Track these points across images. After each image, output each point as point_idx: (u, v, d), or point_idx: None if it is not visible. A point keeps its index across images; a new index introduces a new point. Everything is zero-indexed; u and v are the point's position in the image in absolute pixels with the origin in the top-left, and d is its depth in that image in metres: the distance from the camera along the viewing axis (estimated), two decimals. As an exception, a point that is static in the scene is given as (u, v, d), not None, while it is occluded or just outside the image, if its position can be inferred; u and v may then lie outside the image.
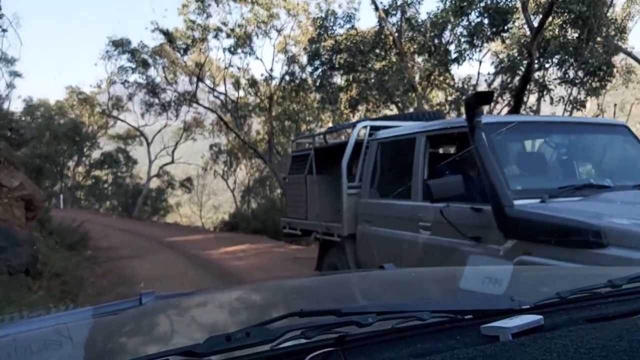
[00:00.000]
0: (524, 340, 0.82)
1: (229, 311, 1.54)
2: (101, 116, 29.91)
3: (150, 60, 22.71)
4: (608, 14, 12.93)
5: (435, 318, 0.97)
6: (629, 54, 14.22)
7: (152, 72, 23.12)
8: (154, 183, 30.39)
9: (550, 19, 11.48)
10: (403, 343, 0.90)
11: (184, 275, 9.05)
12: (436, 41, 14.08)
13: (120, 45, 22.34)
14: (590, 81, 12.97)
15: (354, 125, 5.80)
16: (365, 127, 5.61)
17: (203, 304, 1.65)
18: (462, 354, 0.77)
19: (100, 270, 9.64)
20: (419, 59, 15.26)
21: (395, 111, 16.97)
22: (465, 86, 16.13)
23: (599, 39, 12.30)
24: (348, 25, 15.33)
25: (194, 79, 22.12)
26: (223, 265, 10.20)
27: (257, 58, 25.66)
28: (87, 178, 31.66)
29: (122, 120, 29.68)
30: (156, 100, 24.52)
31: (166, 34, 20.23)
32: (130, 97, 26.29)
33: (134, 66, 22.61)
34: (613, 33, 13.14)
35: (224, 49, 21.34)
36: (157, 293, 1.57)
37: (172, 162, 29.93)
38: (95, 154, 31.17)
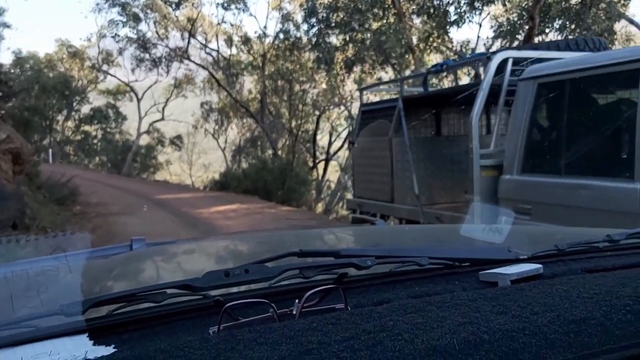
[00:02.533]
0: (523, 286, 0.82)
1: (225, 253, 1.54)
2: (91, 70, 29.39)
3: (141, 14, 22.23)
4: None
5: (433, 264, 0.96)
6: (631, 21, 14.05)
7: (143, 26, 22.68)
8: (144, 140, 30.16)
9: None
10: (401, 286, 0.89)
11: (174, 233, 9.06)
12: (436, 2, 13.84)
13: (111, -3, 21.76)
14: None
15: (487, 57, 4.02)
16: (505, 60, 3.79)
17: (196, 250, 1.64)
18: (461, 296, 0.76)
19: (90, 225, 9.63)
20: (418, 21, 15.02)
21: (391, 74, 16.82)
22: (464, 49, 15.96)
23: (602, 4, 12.13)
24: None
25: (186, 35, 21.73)
26: (214, 225, 10.22)
27: (250, 15, 25.16)
28: (76, 133, 31.31)
29: (112, 75, 29.22)
30: (147, 56, 24.09)
31: (158, -14, 19.73)
32: (120, 52, 25.80)
33: (124, 20, 22.12)
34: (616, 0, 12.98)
35: (217, 4, 20.96)
36: (148, 240, 1.56)
37: (163, 119, 29.63)
38: (85, 109, 30.74)
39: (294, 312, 0.75)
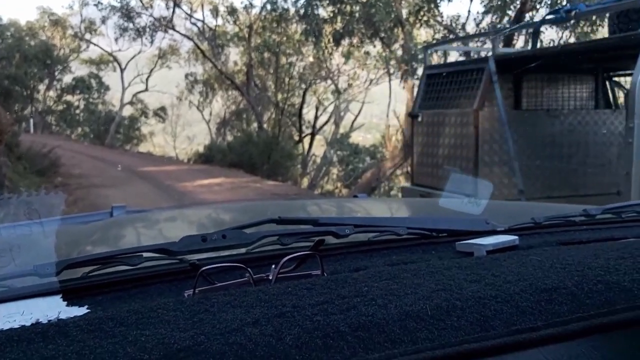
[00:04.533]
0: (498, 256, 0.83)
1: (203, 222, 1.54)
2: (73, 39, 28.74)
3: (125, -19, 21.67)
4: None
5: (411, 234, 0.97)
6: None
7: (127, -7, 22.12)
8: (127, 111, 29.74)
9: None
10: (379, 254, 0.90)
11: (157, 205, 9.02)
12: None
13: (93, -37, 21.18)
14: (582, 25, 12.80)
15: None
16: None
17: (177, 217, 1.65)
18: (437, 264, 0.77)
19: (71, 198, 9.53)
20: (408, -7, 14.84)
21: (379, 48, 16.67)
22: (454, 24, 15.85)
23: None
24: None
25: (170, 4, 21.29)
26: (197, 198, 10.20)
27: (237, -16, 24.66)
28: (58, 103, 30.74)
29: (94, 44, 28.61)
30: (131, 25, 23.58)
31: (142, -47, 19.22)
32: (103, 21, 25.19)
33: (107, -14, 21.55)
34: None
35: (203, -27, 20.45)
36: (129, 207, 1.56)
37: (146, 90, 29.19)
38: (67, 79, 30.13)
39: (270, 277, 0.76)
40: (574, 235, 1.02)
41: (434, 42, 13.45)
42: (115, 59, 28.63)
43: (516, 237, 0.93)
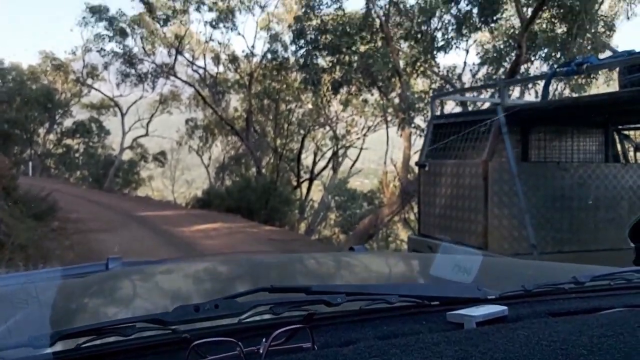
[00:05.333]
0: (487, 329, 0.83)
1: (198, 281, 1.54)
2: (75, 84, 29.16)
3: (128, 30, 22.21)
4: (598, 11, 13.05)
5: (402, 302, 0.97)
6: (615, 52, 14.44)
7: (129, 41, 22.63)
8: (127, 155, 29.91)
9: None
10: (370, 324, 0.90)
11: (153, 252, 8.96)
12: (423, 28, 14.06)
13: (98, 12, 21.74)
14: (576, 77, 13.08)
15: None
16: None
17: (171, 272, 1.64)
18: (426, 339, 0.77)
19: (68, 242, 9.48)
20: (405, 45, 15.24)
21: (376, 96, 16.96)
22: (450, 75, 16.20)
23: (587, 35, 12.42)
24: (335, 6, 15.20)
25: (173, 51, 21.76)
26: (195, 244, 10.13)
27: (239, 34, 25.25)
28: (58, 146, 30.95)
29: (96, 90, 29.02)
30: (133, 71, 24.00)
31: (146, 3, 19.80)
32: (105, 66, 25.68)
33: (111, 34, 22.08)
34: (602, 30, 13.28)
35: (206, 23, 21.03)
36: (125, 259, 1.56)
37: (147, 134, 29.45)
38: (68, 122, 30.45)
39: (261, 351, 0.76)
40: (563, 304, 1.03)
41: (436, 91, 13.71)
42: (117, 104, 28.99)
43: (505, 307, 0.94)
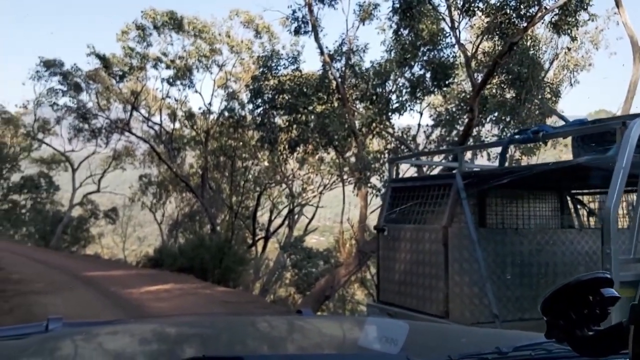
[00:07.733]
0: None
1: (139, 343, 1.49)
2: (25, 138, 28.43)
3: (83, 85, 22.03)
4: (544, 78, 13.82)
5: None
6: (561, 117, 15.23)
7: (84, 96, 22.45)
8: (77, 211, 28.98)
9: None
10: None
11: (98, 316, 8.51)
12: (378, 90, 14.50)
13: (52, 66, 21.56)
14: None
15: (623, 123, 3.03)
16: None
17: (111, 334, 1.57)
18: None
19: (7, 306, 8.95)
20: (361, 106, 15.63)
21: (333, 155, 17.15)
22: (405, 136, 16.63)
23: (535, 100, 13.07)
24: (293, 67, 15.53)
25: (129, 107, 21.61)
26: (143, 307, 9.71)
27: (196, 91, 25.34)
28: (3, 202, 29.72)
29: (47, 144, 28.34)
30: (86, 126, 23.62)
31: (102, 59, 19.75)
32: (58, 121, 25.19)
33: (65, 89, 21.84)
34: (548, 96, 14.02)
35: (163, 80, 21.09)
36: (65, 320, 1.48)
37: (98, 190, 28.74)
38: (15, 177, 29.43)
39: None
40: None
41: (392, 152, 14.01)
42: (68, 159, 28.33)
43: None
